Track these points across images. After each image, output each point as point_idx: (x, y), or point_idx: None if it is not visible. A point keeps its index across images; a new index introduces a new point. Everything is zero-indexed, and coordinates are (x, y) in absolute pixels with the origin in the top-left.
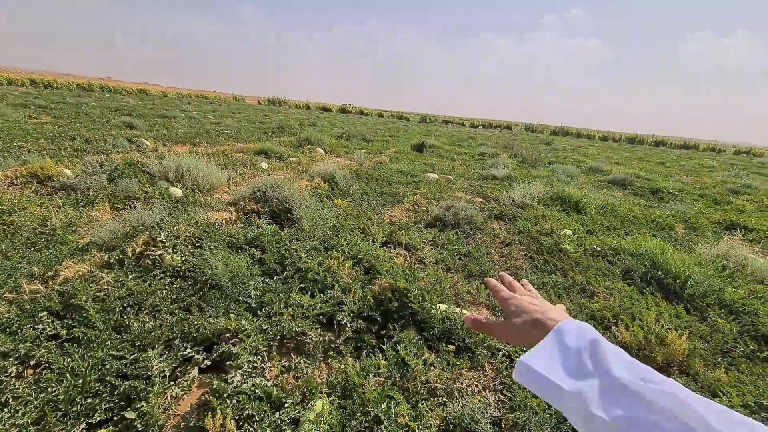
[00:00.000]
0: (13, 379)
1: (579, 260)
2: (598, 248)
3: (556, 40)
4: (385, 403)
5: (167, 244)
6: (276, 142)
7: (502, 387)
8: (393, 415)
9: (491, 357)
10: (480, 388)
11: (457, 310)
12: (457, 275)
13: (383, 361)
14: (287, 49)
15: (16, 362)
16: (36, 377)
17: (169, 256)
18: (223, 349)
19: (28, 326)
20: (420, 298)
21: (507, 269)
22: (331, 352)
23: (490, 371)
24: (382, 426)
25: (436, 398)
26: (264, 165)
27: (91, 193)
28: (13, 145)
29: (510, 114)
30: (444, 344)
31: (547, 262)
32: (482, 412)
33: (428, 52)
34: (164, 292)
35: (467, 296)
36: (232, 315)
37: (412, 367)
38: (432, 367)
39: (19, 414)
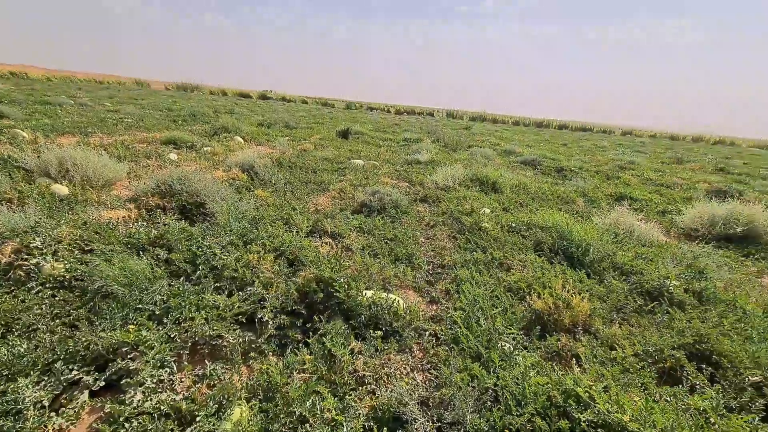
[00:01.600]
0: None
1: (497, 237)
2: (513, 224)
3: (468, 28)
4: (310, 400)
5: (45, 250)
6: (187, 131)
7: (429, 366)
8: (318, 412)
9: (419, 338)
10: (408, 370)
11: (384, 295)
12: (384, 260)
13: (308, 356)
14: (201, 31)
15: None
16: None
17: (49, 265)
18: (120, 365)
19: None
20: (346, 287)
21: (432, 250)
22: (252, 353)
23: (418, 352)
24: (307, 425)
25: (364, 387)
26: (173, 156)
27: None
28: None
29: (432, 101)
30: (371, 331)
31: (468, 240)
32: (410, 393)
33: (357, 37)
34: (43, 307)
35: (395, 280)
36: (130, 326)
37: (339, 357)
38: (360, 356)
39: None
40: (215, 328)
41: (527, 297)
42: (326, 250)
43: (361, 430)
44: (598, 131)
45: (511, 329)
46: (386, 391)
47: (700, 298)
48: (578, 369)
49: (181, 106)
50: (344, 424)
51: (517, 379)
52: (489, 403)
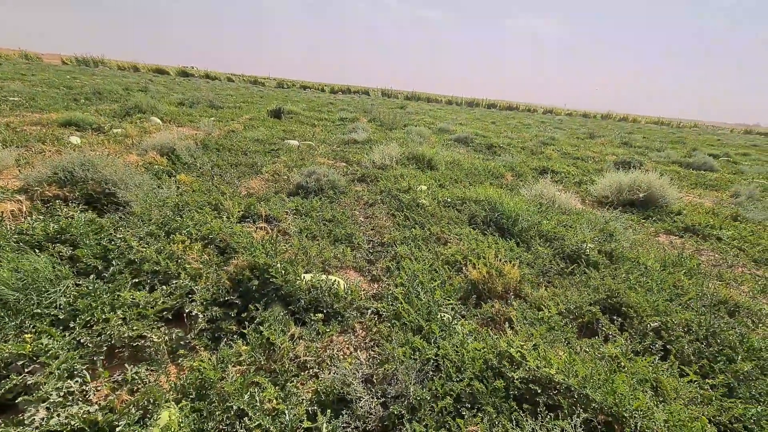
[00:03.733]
0: None
1: (434, 212)
2: (449, 200)
3: (400, 8)
4: (248, 393)
5: None
6: (92, 112)
7: (372, 344)
8: (258, 403)
9: (361, 317)
10: (351, 349)
11: (324, 277)
12: (323, 242)
13: (244, 347)
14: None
15: None
16: None
17: None
18: (15, 381)
19: None
20: (283, 272)
21: (372, 229)
22: (181, 351)
23: (361, 331)
24: (246, 418)
25: (306, 372)
26: (75, 140)
27: None
28: None
29: (367, 80)
30: (312, 314)
31: (407, 217)
32: (354, 373)
33: (285, 12)
34: None
35: (334, 261)
36: (27, 335)
37: (278, 345)
38: (300, 341)
39: None
40: (135, 327)
41: (463, 268)
42: (261, 235)
43: (305, 415)
44: (523, 110)
45: (449, 300)
46: (329, 373)
47: (611, 257)
48: (511, 332)
49: (83, 83)
50: (286, 412)
51: (456, 347)
52: (431, 373)
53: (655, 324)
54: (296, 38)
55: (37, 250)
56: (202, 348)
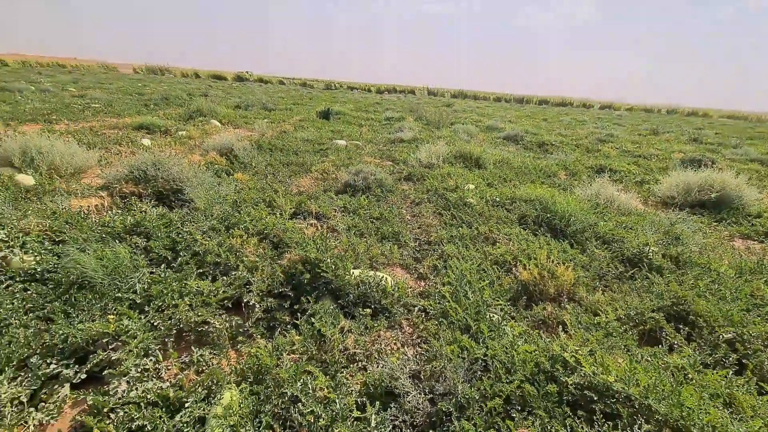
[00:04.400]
0: None
1: (482, 211)
2: (498, 199)
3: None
4: (301, 380)
5: (11, 243)
6: (160, 115)
7: (419, 340)
8: (310, 391)
9: (408, 314)
10: (399, 345)
11: (372, 273)
12: (370, 239)
13: (297, 337)
14: (172, 13)
15: None
16: None
17: (17, 258)
18: (101, 357)
19: None
20: (333, 266)
21: (418, 228)
22: (240, 338)
23: (408, 327)
24: (300, 404)
25: (355, 364)
26: (146, 141)
27: None
28: None
29: (412, 80)
30: (360, 309)
31: (454, 216)
32: (401, 368)
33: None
34: (14, 302)
35: (382, 258)
36: (110, 316)
37: (329, 337)
38: (349, 334)
39: None
40: (200, 314)
41: (513, 269)
42: (311, 232)
43: (354, 405)
44: (578, 106)
45: (498, 301)
46: (377, 367)
47: (677, 262)
48: (564, 335)
49: (152, 89)
50: (337, 400)
51: (506, 348)
52: (479, 372)
53: (729, 335)
54: (344, 41)
55: (117, 241)
56: (259, 336)
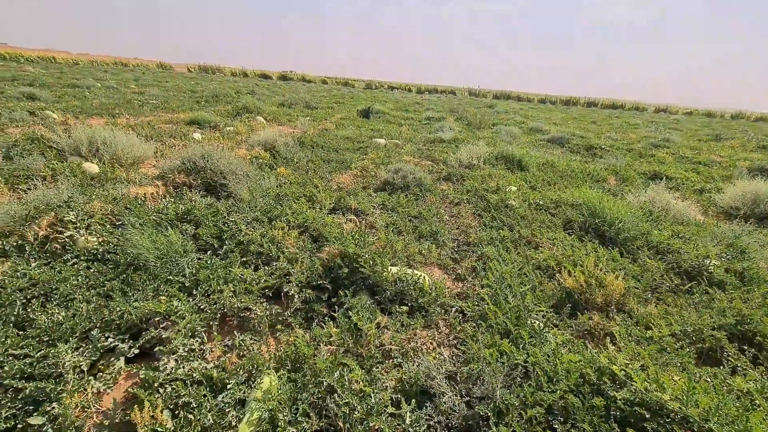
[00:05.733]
0: None
1: (524, 214)
2: (541, 202)
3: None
4: (337, 372)
5: (79, 224)
6: (210, 112)
7: (456, 342)
8: (346, 383)
9: (445, 314)
10: (435, 345)
11: (409, 271)
12: (408, 237)
13: (335, 329)
14: (218, 7)
15: None
16: None
17: (83, 238)
18: (153, 334)
19: None
20: (371, 262)
21: (457, 228)
22: (279, 326)
23: (444, 328)
24: (336, 395)
25: (390, 360)
26: (197, 135)
27: None
28: None
29: (453, 80)
30: (397, 306)
31: (494, 218)
32: (437, 368)
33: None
34: (78, 278)
35: (419, 257)
36: (162, 297)
37: (365, 331)
38: (386, 330)
39: None
40: (243, 300)
41: (557, 275)
42: (350, 227)
43: (389, 401)
44: (630, 108)
45: (540, 307)
46: (413, 365)
47: (742, 278)
48: (612, 348)
49: (203, 87)
50: (372, 395)
51: (548, 356)
52: (519, 379)
53: None
54: (385, 41)
55: (169, 227)
56: (297, 326)
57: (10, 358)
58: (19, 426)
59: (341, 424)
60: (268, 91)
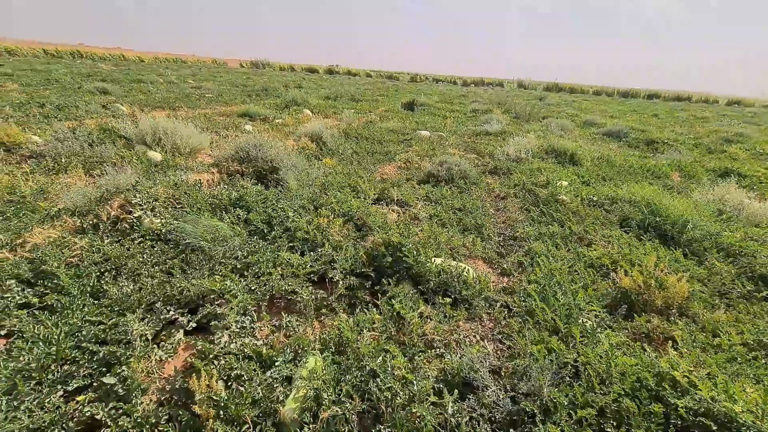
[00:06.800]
0: None
1: (576, 210)
2: (595, 198)
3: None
4: (380, 357)
5: (145, 206)
6: (260, 105)
7: (501, 336)
8: (389, 368)
9: (489, 308)
10: (478, 338)
11: (453, 263)
12: (452, 229)
13: (378, 316)
14: (271, 6)
15: None
16: (7, 347)
17: (148, 219)
18: (209, 310)
19: None
20: (414, 252)
21: (503, 222)
22: (323, 310)
23: (488, 322)
24: (378, 379)
25: (433, 350)
26: (248, 127)
27: (63, 160)
28: None
29: (500, 72)
30: (440, 297)
31: (543, 213)
32: (481, 361)
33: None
34: (144, 255)
35: (463, 250)
36: (217, 276)
37: (408, 320)
38: (428, 320)
39: None
40: (290, 284)
41: (612, 274)
42: (394, 217)
43: (431, 390)
44: (698, 101)
45: (592, 306)
46: (456, 356)
47: None
48: (674, 353)
49: (254, 82)
50: (414, 382)
51: (601, 357)
52: (568, 378)
53: None
54: (429, 34)
55: (223, 212)
56: (341, 311)
57: (87, 324)
58: (95, 384)
59: (383, 408)
60: (314, 84)
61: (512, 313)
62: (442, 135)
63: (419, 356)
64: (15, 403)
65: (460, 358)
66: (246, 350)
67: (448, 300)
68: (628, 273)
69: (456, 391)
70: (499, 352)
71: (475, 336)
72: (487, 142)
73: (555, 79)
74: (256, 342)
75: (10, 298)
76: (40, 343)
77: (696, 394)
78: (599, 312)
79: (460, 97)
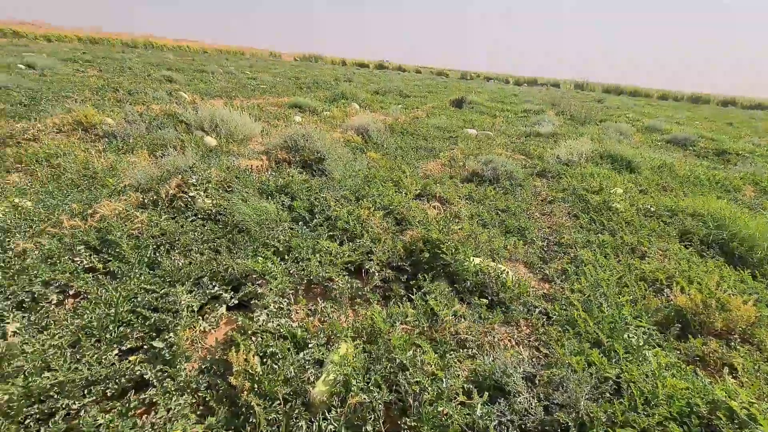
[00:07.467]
0: (54, 306)
1: (630, 220)
2: (652, 208)
3: None
4: (411, 351)
5: (199, 187)
6: (311, 97)
7: (537, 343)
8: (419, 363)
9: (527, 313)
10: (513, 343)
11: (493, 264)
12: (493, 230)
13: (411, 310)
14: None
15: (56, 291)
16: (74, 305)
17: (201, 199)
18: (250, 289)
19: (67, 258)
20: (453, 250)
21: (548, 227)
22: (357, 299)
23: (525, 327)
24: (407, 373)
25: (465, 350)
26: (298, 118)
27: (131, 141)
28: (61, 96)
29: (552, 71)
30: (476, 297)
31: (593, 220)
32: (515, 366)
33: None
34: (195, 232)
35: (504, 252)
36: (259, 257)
37: (442, 317)
38: (462, 319)
39: (56, 337)
40: (327, 271)
41: (666, 290)
42: (434, 214)
43: (461, 389)
44: None
45: (641, 322)
46: (489, 358)
47: None
48: (732, 381)
49: (306, 75)
50: (444, 380)
51: (647, 376)
52: (608, 394)
53: None
54: (481, 31)
55: (269, 197)
56: (375, 302)
57: (142, 291)
58: (145, 346)
59: (411, 401)
60: (364, 79)
61: (551, 321)
62: (489, 134)
63: (450, 354)
64: (78, 356)
65: (492, 360)
66: (282, 330)
67: (484, 301)
68: (684, 290)
69: (486, 393)
70: (534, 360)
71: (510, 340)
72: (537, 144)
73: (615, 81)
74: (291, 323)
75: (79, 262)
76: (102, 305)
77: (756, 429)
78: (648, 329)
79: (512, 96)
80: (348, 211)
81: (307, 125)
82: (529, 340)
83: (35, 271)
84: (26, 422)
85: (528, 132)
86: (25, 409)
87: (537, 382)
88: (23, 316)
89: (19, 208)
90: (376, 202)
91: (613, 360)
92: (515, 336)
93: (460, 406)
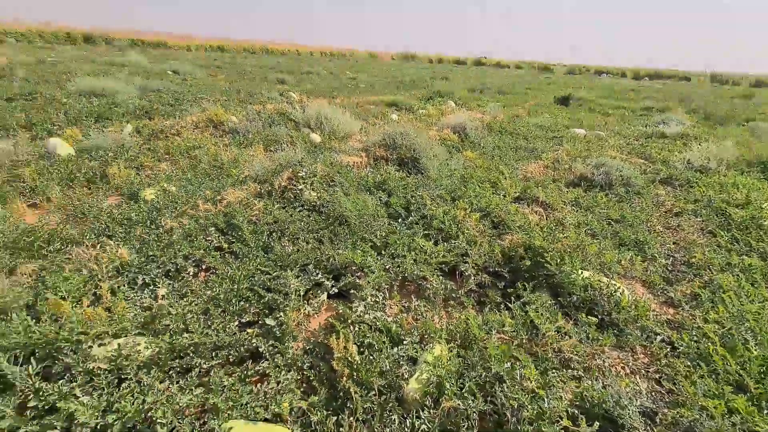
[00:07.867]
0: (191, 277)
1: None
2: None
3: None
4: (509, 363)
5: (306, 180)
6: (407, 95)
7: (658, 376)
8: (518, 377)
9: (645, 339)
10: (627, 371)
11: (605, 280)
12: (605, 242)
13: (509, 320)
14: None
15: (193, 264)
16: (205, 278)
17: (308, 191)
18: (350, 279)
19: (201, 237)
20: (559, 260)
21: (674, 243)
22: (451, 302)
23: (643, 355)
24: (505, 385)
25: (569, 370)
26: (394, 116)
27: (250, 136)
28: (198, 97)
29: (674, 60)
30: (584, 315)
31: (736, 239)
32: (630, 398)
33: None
34: (302, 222)
35: (617, 267)
36: (358, 250)
37: (543, 331)
38: (566, 337)
39: (193, 304)
40: (422, 269)
41: None
42: (536, 219)
43: (564, 413)
44: None
45: None
46: (598, 384)
47: None
48: None
49: (403, 73)
50: (546, 399)
51: None
52: None
53: None
54: (585, 21)
55: (368, 193)
56: (470, 306)
57: (259, 272)
58: (259, 322)
59: (509, 416)
60: (460, 76)
61: (677, 353)
62: (600, 134)
63: (553, 372)
64: (208, 323)
65: (603, 387)
66: (378, 323)
67: (593, 320)
68: None
69: (596, 423)
70: (654, 394)
71: (623, 367)
72: (661, 146)
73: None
74: (386, 318)
75: (210, 241)
76: (227, 281)
77: None
78: None
79: (629, 92)
80: (444, 211)
81: (403, 123)
82: (648, 371)
83: (178, 246)
84: (170, 373)
85: (649, 132)
86: (169, 362)
87: (658, 420)
88: (169, 283)
89: (167, 192)
90: (473, 203)
91: (765, 412)
92: (630, 363)
93: (563, 431)
